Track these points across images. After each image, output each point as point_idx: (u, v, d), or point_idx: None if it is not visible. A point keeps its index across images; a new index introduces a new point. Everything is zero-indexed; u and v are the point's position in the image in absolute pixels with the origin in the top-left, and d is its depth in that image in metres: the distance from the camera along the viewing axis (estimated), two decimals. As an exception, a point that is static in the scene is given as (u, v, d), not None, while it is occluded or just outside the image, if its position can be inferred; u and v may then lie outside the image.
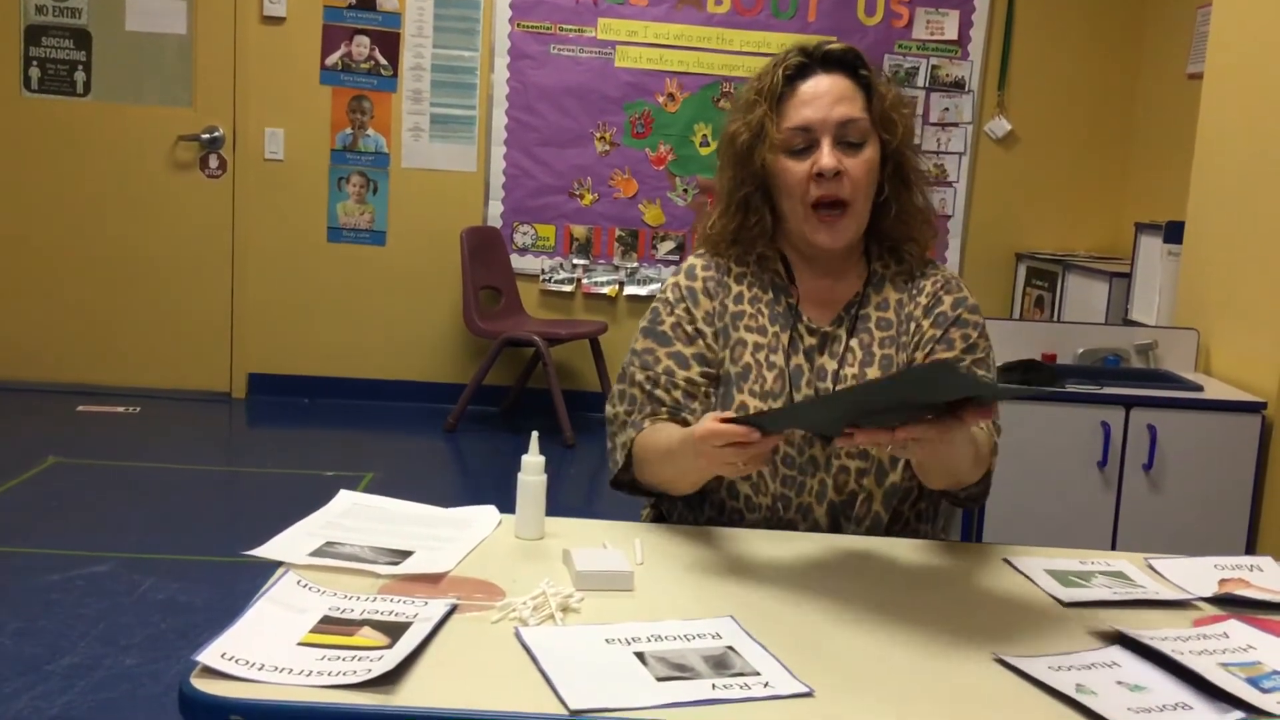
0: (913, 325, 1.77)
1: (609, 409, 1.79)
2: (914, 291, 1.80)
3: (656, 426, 1.71)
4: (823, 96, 1.70)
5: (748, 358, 1.74)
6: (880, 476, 1.71)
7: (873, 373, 1.74)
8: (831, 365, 1.74)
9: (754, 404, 1.70)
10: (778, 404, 1.71)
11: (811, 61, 1.73)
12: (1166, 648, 1.26)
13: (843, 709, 1.13)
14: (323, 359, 5.47)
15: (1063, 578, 1.52)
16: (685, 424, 1.70)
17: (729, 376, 1.74)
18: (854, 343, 1.76)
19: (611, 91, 5.37)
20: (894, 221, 1.78)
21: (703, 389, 1.75)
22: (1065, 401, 3.07)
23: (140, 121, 5.27)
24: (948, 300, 1.79)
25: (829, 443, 1.70)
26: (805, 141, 1.70)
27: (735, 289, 1.80)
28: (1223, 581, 1.54)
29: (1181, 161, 3.95)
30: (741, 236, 1.79)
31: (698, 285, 1.80)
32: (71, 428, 4.84)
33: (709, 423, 1.47)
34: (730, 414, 1.48)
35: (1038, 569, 1.55)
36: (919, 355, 1.76)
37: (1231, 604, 1.48)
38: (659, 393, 1.73)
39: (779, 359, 1.74)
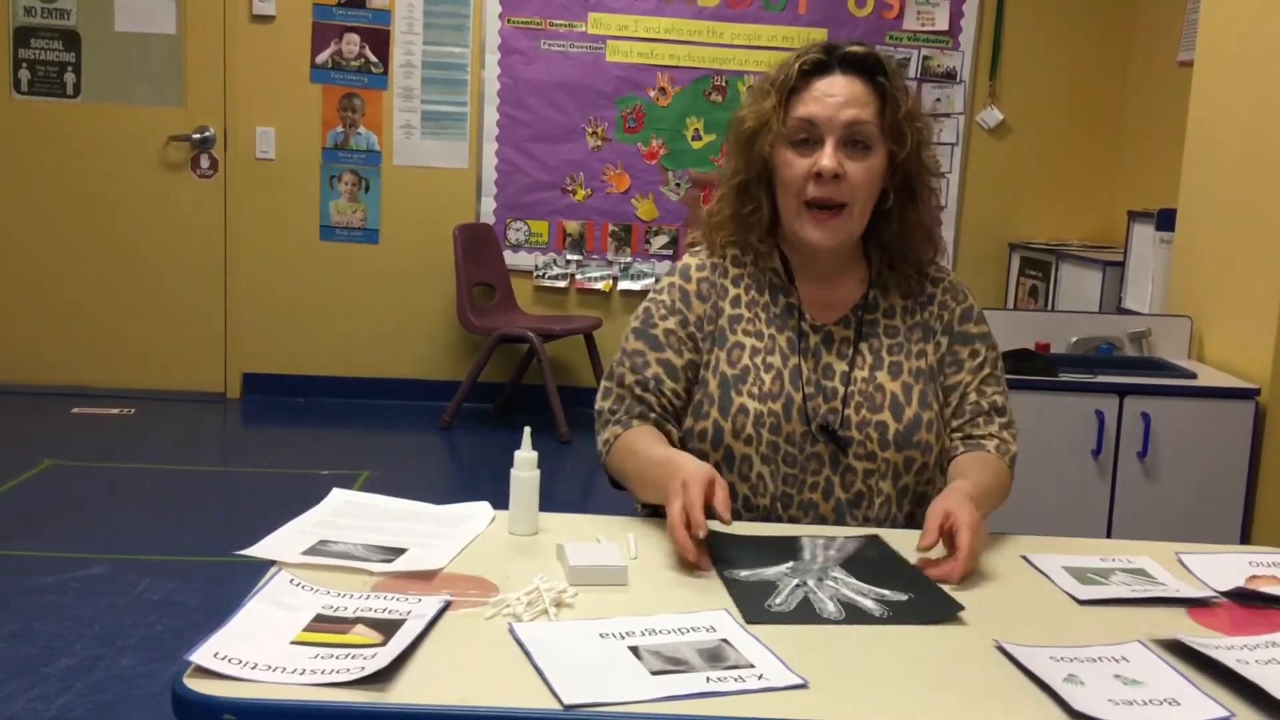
0: (931, 336, 1.78)
1: (598, 403, 1.80)
2: (922, 299, 1.80)
3: (644, 430, 1.71)
4: (834, 96, 1.68)
5: (746, 360, 1.74)
6: (895, 478, 1.72)
7: (882, 376, 1.73)
8: (841, 366, 1.74)
9: (754, 406, 1.70)
10: (777, 405, 1.70)
11: (830, 60, 1.71)
12: (1230, 658, 1.20)
13: (837, 700, 1.13)
14: (317, 358, 5.47)
15: (1080, 574, 1.47)
16: (670, 436, 1.72)
17: (726, 379, 1.73)
18: (863, 346, 1.76)
19: (603, 86, 5.37)
20: (895, 235, 1.77)
21: (684, 405, 1.76)
22: (1059, 390, 3.07)
23: (131, 122, 5.26)
24: (958, 311, 1.80)
25: (841, 450, 1.70)
26: (809, 135, 1.69)
27: (732, 291, 1.79)
28: (1251, 579, 1.46)
29: (1173, 149, 3.95)
30: (737, 223, 1.78)
31: (691, 288, 1.79)
32: (66, 430, 4.83)
33: (695, 488, 1.46)
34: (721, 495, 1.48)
35: (1055, 565, 1.50)
36: (947, 371, 1.77)
37: (1247, 599, 1.41)
38: (648, 396, 1.74)
39: (776, 360, 1.74)
